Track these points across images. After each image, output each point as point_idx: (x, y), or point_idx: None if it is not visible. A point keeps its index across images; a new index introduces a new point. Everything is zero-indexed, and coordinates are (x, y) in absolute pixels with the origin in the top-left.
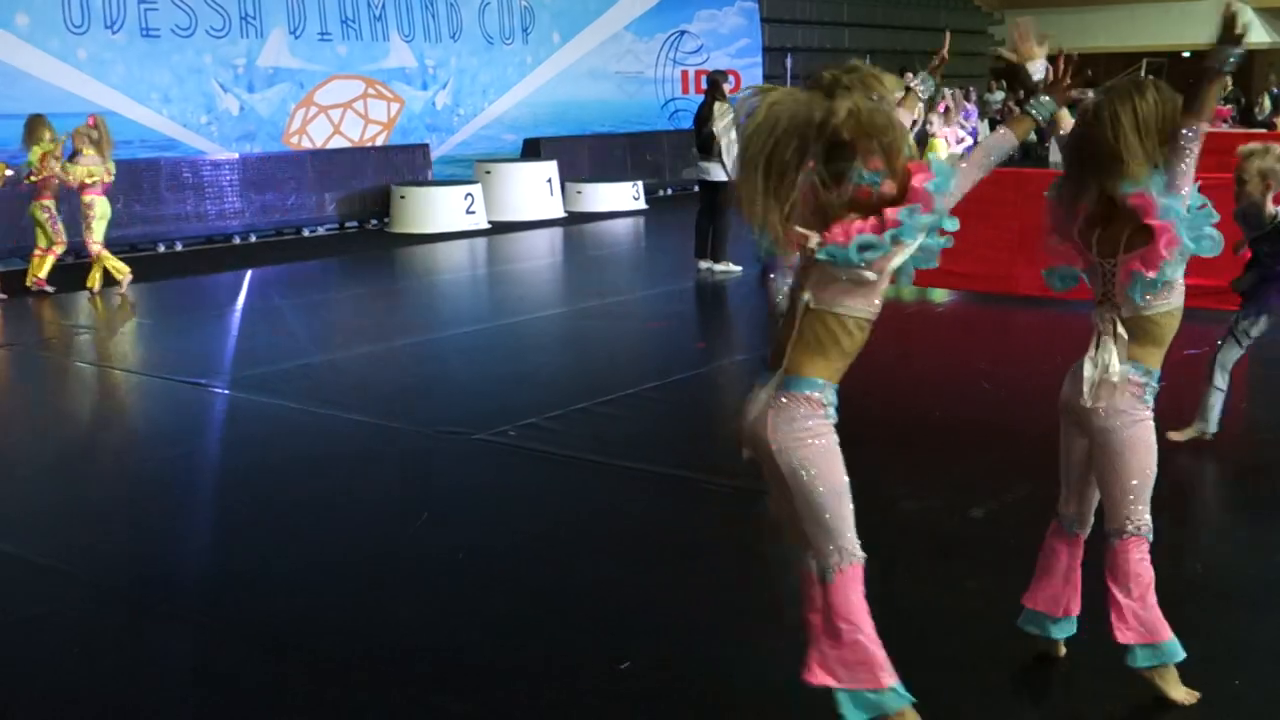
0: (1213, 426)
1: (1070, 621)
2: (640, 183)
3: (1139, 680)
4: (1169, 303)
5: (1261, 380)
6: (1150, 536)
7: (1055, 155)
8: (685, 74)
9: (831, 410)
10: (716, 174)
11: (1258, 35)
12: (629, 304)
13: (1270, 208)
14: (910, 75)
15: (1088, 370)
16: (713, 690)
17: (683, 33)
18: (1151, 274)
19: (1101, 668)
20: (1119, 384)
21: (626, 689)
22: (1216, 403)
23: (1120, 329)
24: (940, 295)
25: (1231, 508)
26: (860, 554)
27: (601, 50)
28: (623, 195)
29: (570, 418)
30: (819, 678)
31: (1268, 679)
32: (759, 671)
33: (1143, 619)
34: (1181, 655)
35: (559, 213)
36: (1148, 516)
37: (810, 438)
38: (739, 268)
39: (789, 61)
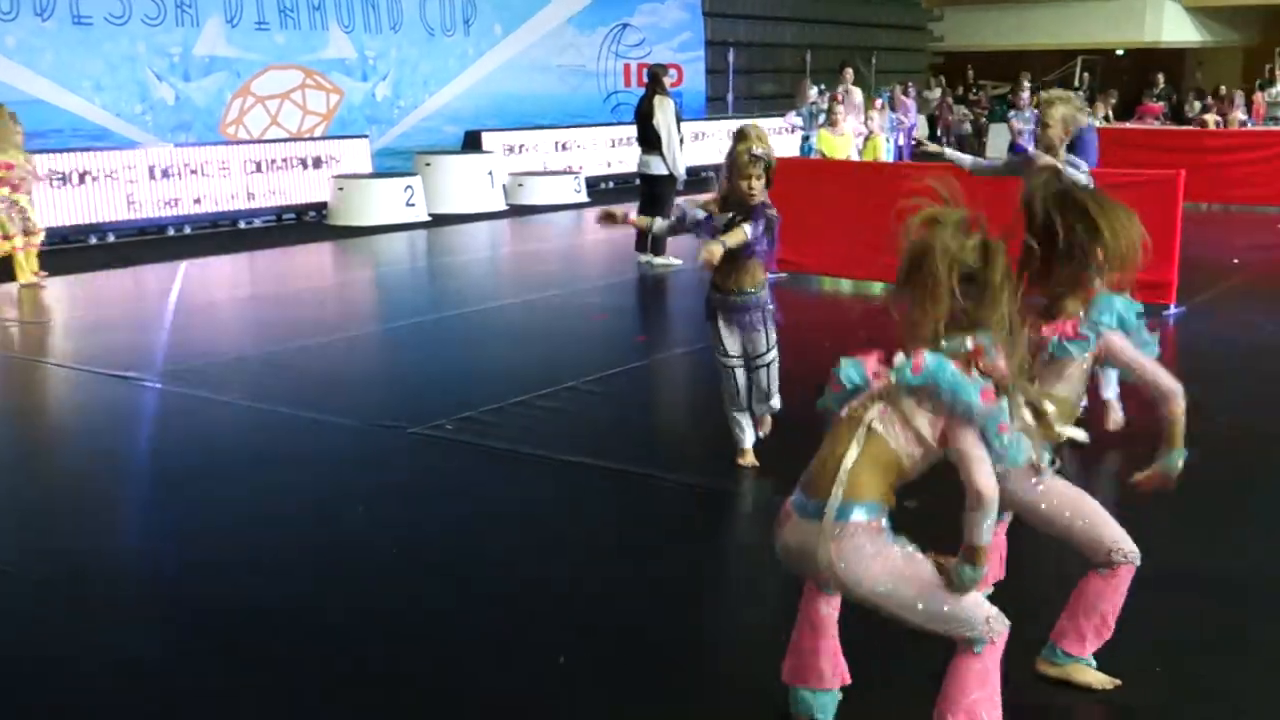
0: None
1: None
2: (582, 175)
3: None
4: None
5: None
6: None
7: (994, 150)
8: (627, 67)
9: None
10: (657, 167)
11: (1187, 34)
12: (569, 297)
13: (1063, 154)
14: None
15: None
16: (652, 683)
17: (625, 26)
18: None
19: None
20: None
21: (563, 683)
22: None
23: None
24: (878, 289)
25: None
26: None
27: (543, 43)
28: (564, 188)
29: (509, 411)
30: None
31: (1178, 664)
32: (699, 663)
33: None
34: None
35: (500, 205)
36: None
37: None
38: (679, 261)
39: (730, 56)
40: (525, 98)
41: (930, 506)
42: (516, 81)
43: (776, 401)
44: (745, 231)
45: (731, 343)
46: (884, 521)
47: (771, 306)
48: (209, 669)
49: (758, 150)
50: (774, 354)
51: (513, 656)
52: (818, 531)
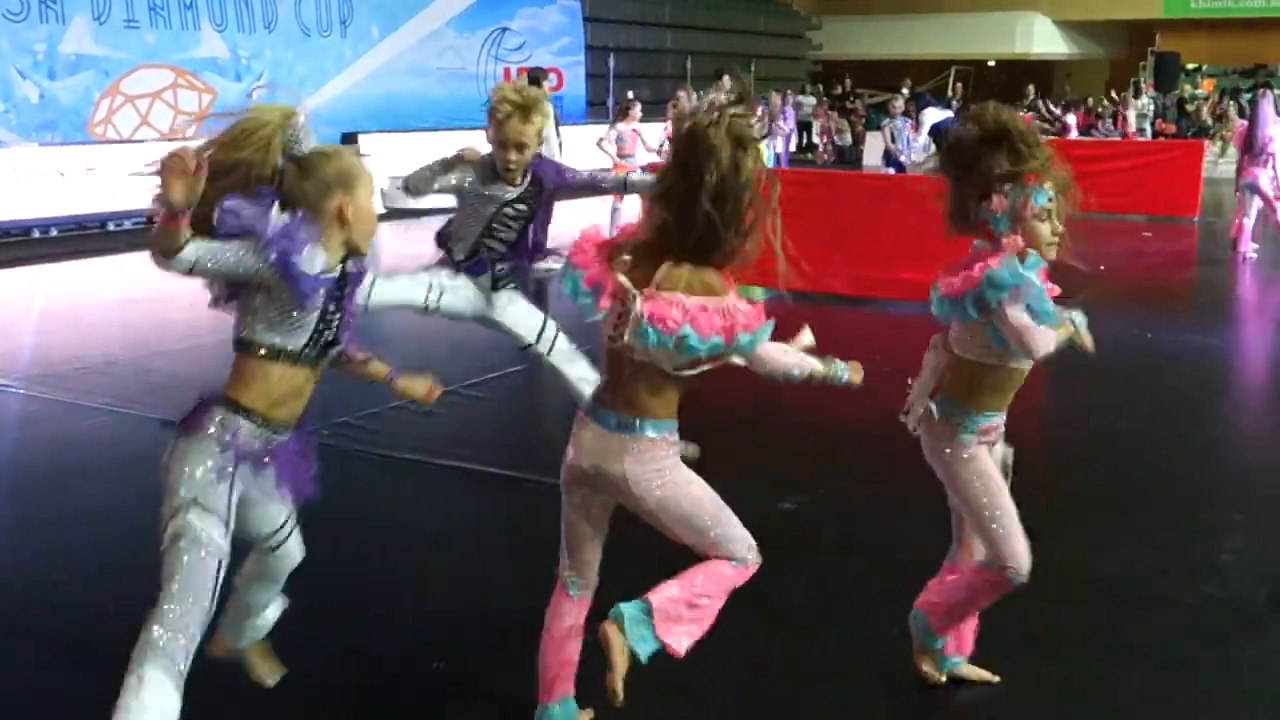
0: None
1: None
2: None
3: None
4: None
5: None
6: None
7: (871, 158)
8: (507, 71)
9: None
10: None
11: (1057, 47)
12: None
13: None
14: (727, 78)
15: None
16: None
17: (505, 30)
18: None
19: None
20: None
21: (442, 689)
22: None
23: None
24: (758, 293)
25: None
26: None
27: (422, 46)
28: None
29: (386, 416)
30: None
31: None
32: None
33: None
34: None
35: (379, 209)
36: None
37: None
38: (559, 264)
39: (611, 61)
40: (404, 100)
41: (805, 509)
42: (395, 84)
43: None
44: None
45: None
46: (673, 438)
47: None
48: (54, 678)
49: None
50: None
51: (393, 664)
52: (619, 442)
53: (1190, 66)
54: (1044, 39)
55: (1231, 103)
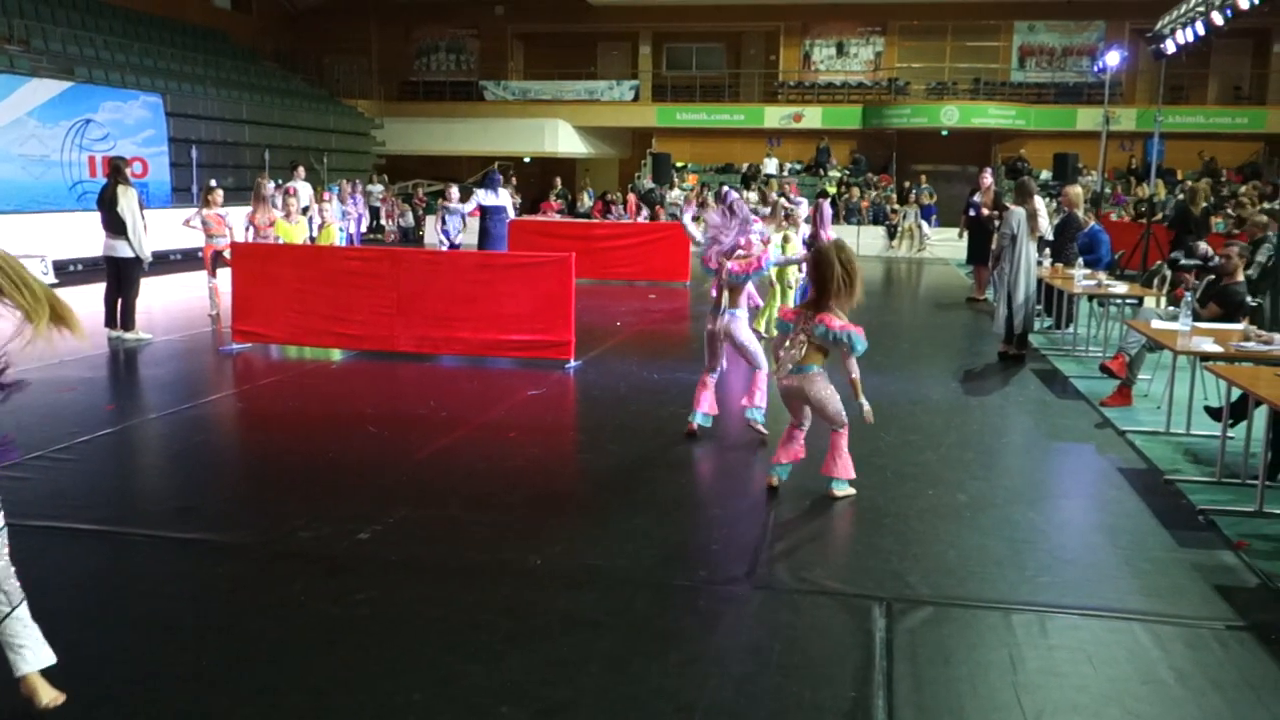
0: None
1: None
2: (48, 258)
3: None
4: None
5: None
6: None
7: (430, 237)
8: (92, 159)
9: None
10: (124, 250)
11: (577, 147)
12: (35, 372)
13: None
14: (302, 169)
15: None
16: None
17: (88, 121)
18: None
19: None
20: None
21: None
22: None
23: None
24: (336, 355)
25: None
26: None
27: (4, 133)
28: (31, 271)
29: None
30: None
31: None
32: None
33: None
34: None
35: None
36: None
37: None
38: (149, 335)
39: (194, 152)
40: None
41: (379, 537)
42: None
43: None
44: None
45: None
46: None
47: None
48: None
49: None
50: None
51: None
52: (802, 377)
53: (679, 164)
54: (567, 141)
55: (710, 192)
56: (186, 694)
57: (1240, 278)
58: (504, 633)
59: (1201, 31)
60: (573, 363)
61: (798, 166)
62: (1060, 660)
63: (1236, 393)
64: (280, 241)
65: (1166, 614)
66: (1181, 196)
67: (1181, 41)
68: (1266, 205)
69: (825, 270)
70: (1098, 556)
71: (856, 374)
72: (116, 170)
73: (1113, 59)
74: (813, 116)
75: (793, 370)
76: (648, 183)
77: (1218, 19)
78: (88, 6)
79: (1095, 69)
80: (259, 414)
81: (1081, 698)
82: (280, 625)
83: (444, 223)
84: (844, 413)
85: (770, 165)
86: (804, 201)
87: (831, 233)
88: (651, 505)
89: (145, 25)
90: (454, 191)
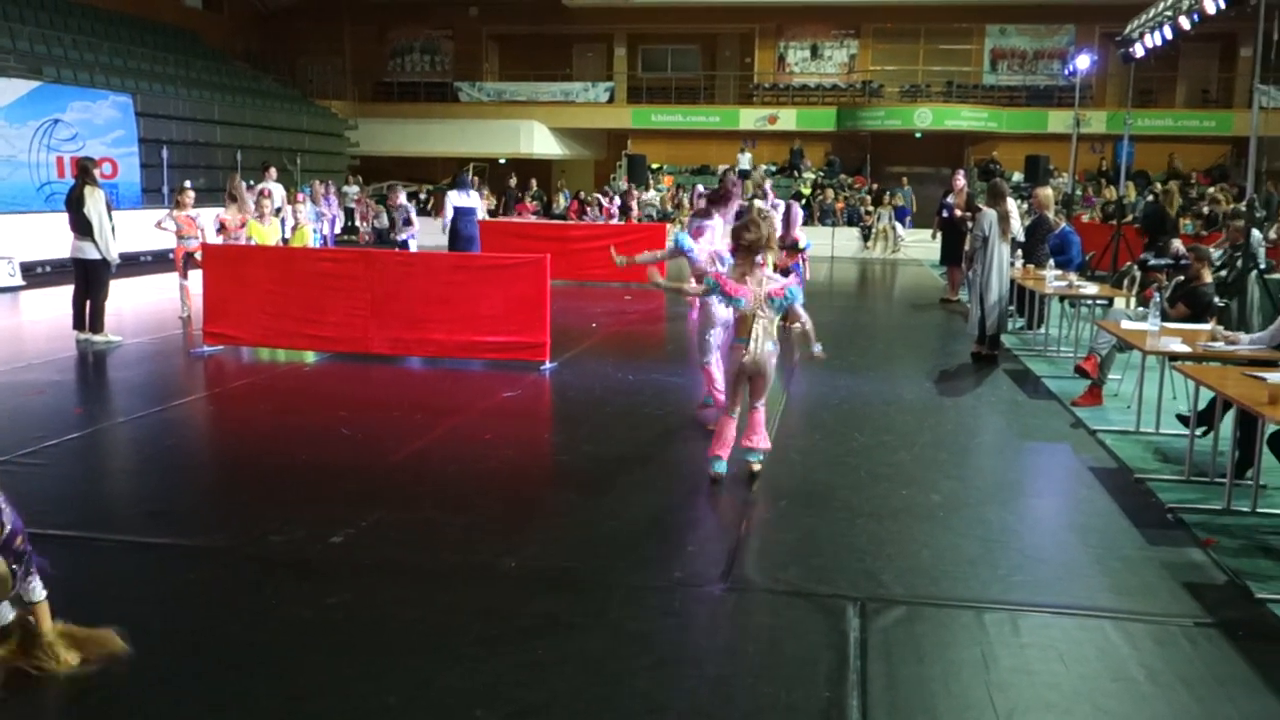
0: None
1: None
2: (15, 260)
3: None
4: None
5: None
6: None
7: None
8: (60, 159)
9: None
10: (91, 252)
11: (552, 149)
12: (4, 374)
13: None
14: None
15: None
16: None
17: (57, 121)
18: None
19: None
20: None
21: None
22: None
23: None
24: (310, 357)
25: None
26: None
27: None
28: None
29: None
30: None
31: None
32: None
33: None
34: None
35: None
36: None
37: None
38: (119, 338)
39: (165, 153)
40: None
41: (351, 541)
42: None
43: None
44: None
45: None
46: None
47: None
48: None
49: None
50: None
51: None
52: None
53: (654, 166)
54: (543, 142)
55: (685, 194)
56: (158, 700)
57: (1208, 279)
58: (479, 635)
59: (1170, 36)
60: (548, 364)
61: (773, 168)
62: (1032, 658)
63: (1206, 394)
64: (253, 243)
65: (1136, 611)
66: (1153, 198)
67: (1150, 45)
68: (1234, 207)
69: (756, 228)
70: (1069, 555)
71: (809, 322)
72: (84, 171)
73: (1083, 62)
74: (787, 118)
75: (771, 348)
76: (652, 195)
77: (1185, 23)
78: (56, 6)
79: (1066, 72)
80: (231, 417)
81: (1053, 695)
82: (253, 630)
83: (392, 226)
84: None
85: (744, 161)
86: (781, 204)
87: (801, 234)
88: (627, 507)
89: (115, 24)
90: (401, 193)
